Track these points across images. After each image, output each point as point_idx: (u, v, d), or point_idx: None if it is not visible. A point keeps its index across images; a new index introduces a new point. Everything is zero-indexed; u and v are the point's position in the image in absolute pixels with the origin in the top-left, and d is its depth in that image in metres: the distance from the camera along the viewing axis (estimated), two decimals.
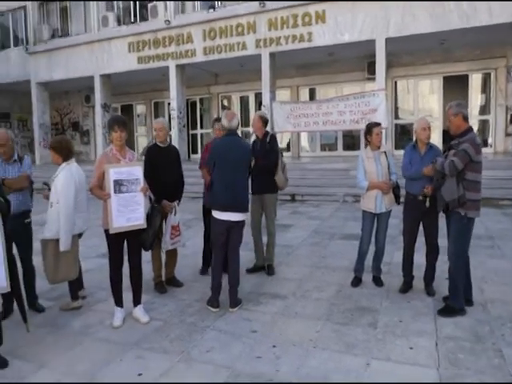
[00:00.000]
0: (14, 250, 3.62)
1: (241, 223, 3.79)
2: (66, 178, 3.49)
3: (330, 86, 14.17)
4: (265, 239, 4.79)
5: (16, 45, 17.22)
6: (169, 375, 2.75)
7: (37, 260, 3.95)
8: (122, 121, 3.52)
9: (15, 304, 3.46)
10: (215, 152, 3.83)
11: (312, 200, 9.72)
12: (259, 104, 14.27)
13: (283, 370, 2.78)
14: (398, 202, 4.25)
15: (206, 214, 4.74)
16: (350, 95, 10.98)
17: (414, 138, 4.05)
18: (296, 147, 14.57)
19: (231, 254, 3.84)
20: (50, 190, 3.63)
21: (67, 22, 16.24)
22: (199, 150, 15.56)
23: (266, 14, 11.86)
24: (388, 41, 10.66)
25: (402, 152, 4.38)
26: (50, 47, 15.55)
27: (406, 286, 4.07)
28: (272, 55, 12.07)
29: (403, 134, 13.48)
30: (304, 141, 15.09)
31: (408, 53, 12.20)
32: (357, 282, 4.27)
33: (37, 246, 3.97)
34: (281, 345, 3.09)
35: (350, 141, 14.21)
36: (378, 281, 4.27)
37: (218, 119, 4.87)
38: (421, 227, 3.98)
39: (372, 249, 4.29)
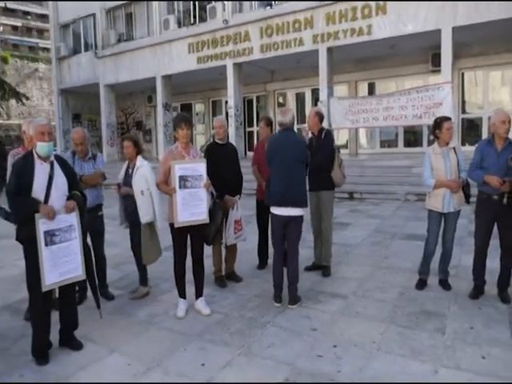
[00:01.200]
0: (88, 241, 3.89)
1: (298, 219, 3.75)
2: (150, 168, 3.90)
3: (390, 80, 13.65)
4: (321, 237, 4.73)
5: (86, 50, 18.43)
6: (230, 367, 2.81)
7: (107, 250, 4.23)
8: (188, 119, 3.65)
9: (88, 291, 3.73)
10: (270, 148, 3.87)
11: (371, 198, 9.43)
12: (316, 100, 14.08)
13: (345, 370, 2.73)
14: (467, 201, 3.99)
15: (260, 209, 4.81)
16: (412, 89, 10.49)
17: (490, 132, 3.77)
18: (354, 144, 14.22)
19: (290, 250, 3.83)
20: (119, 187, 3.97)
21: (132, 26, 17.09)
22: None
23: (324, 9, 11.65)
24: (455, 30, 10.03)
25: (469, 148, 4.12)
26: (116, 51, 16.47)
27: (477, 291, 3.82)
28: (329, 50, 11.86)
29: (471, 129, 12.66)
30: (362, 137, 14.69)
31: (477, 42, 11.38)
32: (422, 284, 4.08)
33: (107, 237, 4.26)
34: (342, 345, 3.04)
35: (412, 137, 13.60)
36: (445, 284, 4.05)
37: (263, 118, 4.94)
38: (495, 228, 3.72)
39: (438, 250, 4.08)
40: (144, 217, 3.86)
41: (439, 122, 3.90)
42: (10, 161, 3.70)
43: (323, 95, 11.89)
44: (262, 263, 4.87)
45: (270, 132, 4.81)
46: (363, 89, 14.30)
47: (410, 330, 3.22)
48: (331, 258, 4.68)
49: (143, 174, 3.86)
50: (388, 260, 5.00)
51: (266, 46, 12.82)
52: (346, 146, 14.19)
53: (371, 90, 14.15)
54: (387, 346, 3.00)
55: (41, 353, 2.97)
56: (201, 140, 17.57)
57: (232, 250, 4.45)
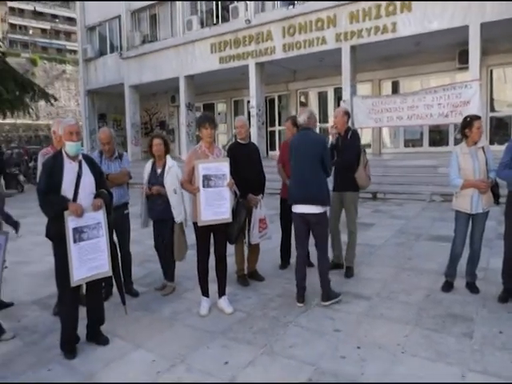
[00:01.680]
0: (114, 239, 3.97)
1: (317, 217, 3.72)
2: (179, 168, 4.00)
3: (414, 78, 13.38)
4: (344, 238, 4.68)
5: (112, 51, 18.83)
6: (253, 366, 2.82)
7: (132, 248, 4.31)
8: (212, 118, 3.69)
9: (114, 288, 3.82)
10: (290, 147, 3.93)
11: (395, 198, 9.28)
12: (338, 99, 13.94)
13: (369, 372, 2.70)
14: (496, 202, 3.88)
15: (283, 208, 4.81)
16: (438, 87, 10.23)
17: None
18: (377, 143, 14.01)
19: (318, 251, 3.83)
20: (150, 186, 4.07)
21: (156, 27, 17.34)
22: (277, 147, 15.68)
23: (347, 7, 11.53)
24: (483, 26, 9.75)
25: (497, 148, 3.99)
26: (140, 52, 16.75)
27: (507, 295, 3.70)
28: (353, 48, 11.72)
29: (499, 127, 12.27)
30: (386, 137, 14.46)
31: (506, 38, 11.02)
32: (448, 287, 3.98)
33: (131, 235, 4.33)
34: (366, 346, 3.00)
35: (437, 136, 13.29)
36: (472, 287, 3.94)
37: (289, 117, 4.93)
38: None
39: (465, 252, 3.98)
40: (178, 215, 4.02)
41: (469, 121, 3.80)
42: (40, 160, 3.82)
43: (346, 94, 11.77)
44: (285, 263, 4.86)
45: (296, 131, 4.80)
46: (387, 87, 14.07)
47: (436, 334, 3.15)
48: (355, 258, 4.63)
49: (175, 173, 4.01)
50: (412, 261, 4.90)
51: (288, 46, 12.78)
52: (369, 146, 14.00)
53: (395, 88, 13.91)
54: (412, 348, 2.95)
55: (69, 347, 3.06)
56: (223, 140, 17.67)
57: (255, 249, 4.46)
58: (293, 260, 4.88)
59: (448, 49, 11.83)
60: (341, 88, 12.16)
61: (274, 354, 2.96)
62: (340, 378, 2.65)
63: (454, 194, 3.97)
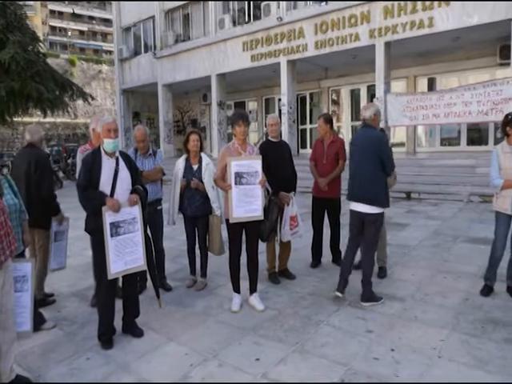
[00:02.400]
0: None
1: (376, 216, 3.68)
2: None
3: (452, 74, 12.92)
4: None
5: (146, 51, 19.25)
6: (285, 364, 2.81)
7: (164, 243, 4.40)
8: (246, 116, 3.70)
9: (148, 282, 3.91)
10: (351, 143, 3.94)
11: (430, 199, 9.00)
12: (371, 97, 13.69)
13: (403, 375, 2.64)
14: None
15: (315, 207, 4.77)
16: (477, 84, 9.85)
17: None
18: (411, 142, 13.63)
19: (365, 250, 3.83)
20: (189, 180, 4.14)
21: (189, 27, 17.58)
22: (308, 145, 15.57)
23: (382, 2, 11.25)
24: None
25: None
26: (173, 51, 17.03)
27: None
28: (387, 45, 11.44)
29: None
30: (421, 135, 14.05)
31: None
32: (487, 290, 3.83)
33: (164, 231, 4.42)
34: (400, 349, 2.93)
35: (476, 134, 12.78)
36: None
37: (322, 115, 4.87)
38: None
39: (506, 255, 3.81)
40: (218, 208, 4.13)
41: (511, 119, 3.64)
42: (79, 156, 3.96)
43: (379, 91, 11.52)
44: (316, 261, 4.82)
45: (329, 129, 4.74)
46: (422, 84, 13.66)
47: (475, 339, 3.03)
48: (387, 258, 4.54)
49: (212, 170, 4.10)
50: (449, 264, 4.75)
51: (320, 43, 12.64)
52: (402, 145, 13.66)
53: (431, 85, 13.47)
54: (449, 353, 2.86)
55: (106, 338, 3.16)
56: (253, 138, 17.71)
57: (286, 246, 4.45)
58: (324, 259, 4.87)
59: (488, 44, 11.35)
60: (374, 85, 11.91)
61: (305, 353, 2.95)
62: (373, 379, 2.61)
63: (495, 195, 3.82)
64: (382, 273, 4.43)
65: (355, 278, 3.88)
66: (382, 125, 4.96)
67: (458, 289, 3.99)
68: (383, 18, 11.30)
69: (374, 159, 3.64)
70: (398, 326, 3.30)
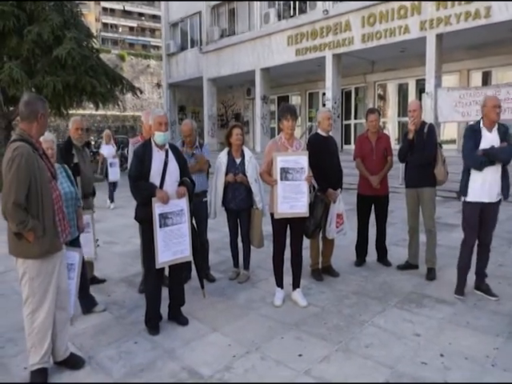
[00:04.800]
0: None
1: (496, 206, 3.82)
2: None
3: (509, 68, 12.14)
4: (423, 237, 4.42)
5: (192, 46, 19.61)
6: (328, 362, 2.78)
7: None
8: (294, 110, 3.66)
9: (192, 272, 3.99)
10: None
11: None
12: (420, 92, 13.16)
13: (453, 380, 2.53)
14: None
15: (361, 204, 4.66)
16: None
17: None
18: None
19: (482, 244, 4.02)
20: (235, 174, 4.15)
21: (234, 22, 17.70)
22: (352, 141, 15.23)
23: None
24: None
25: None
26: (219, 46, 17.22)
27: None
28: (438, 37, 10.94)
29: None
30: None
31: None
32: None
33: (208, 222, 4.48)
34: (450, 355, 2.81)
35: None
36: None
37: (372, 110, 4.70)
38: None
39: None
40: (260, 202, 4.16)
41: None
42: (131, 148, 4.10)
43: (430, 86, 11.05)
44: (361, 260, 4.72)
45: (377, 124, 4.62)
46: (476, 78, 12.95)
47: None
48: (436, 259, 4.36)
49: (255, 163, 4.11)
50: (504, 268, 4.50)
51: (367, 36, 12.31)
52: (453, 142, 13.03)
53: (486, 79, 12.75)
54: (504, 362, 2.71)
55: (153, 323, 3.27)
56: (297, 132, 17.57)
57: (329, 243, 4.38)
58: (369, 258, 4.75)
59: None
60: (423, 79, 11.46)
61: (349, 352, 2.90)
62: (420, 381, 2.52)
63: None
64: (431, 274, 4.27)
65: (401, 279, 3.77)
66: (430, 120, 4.77)
67: None
68: (435, 9, 10.81)
69: None
70: (447, 330, 3.17)
